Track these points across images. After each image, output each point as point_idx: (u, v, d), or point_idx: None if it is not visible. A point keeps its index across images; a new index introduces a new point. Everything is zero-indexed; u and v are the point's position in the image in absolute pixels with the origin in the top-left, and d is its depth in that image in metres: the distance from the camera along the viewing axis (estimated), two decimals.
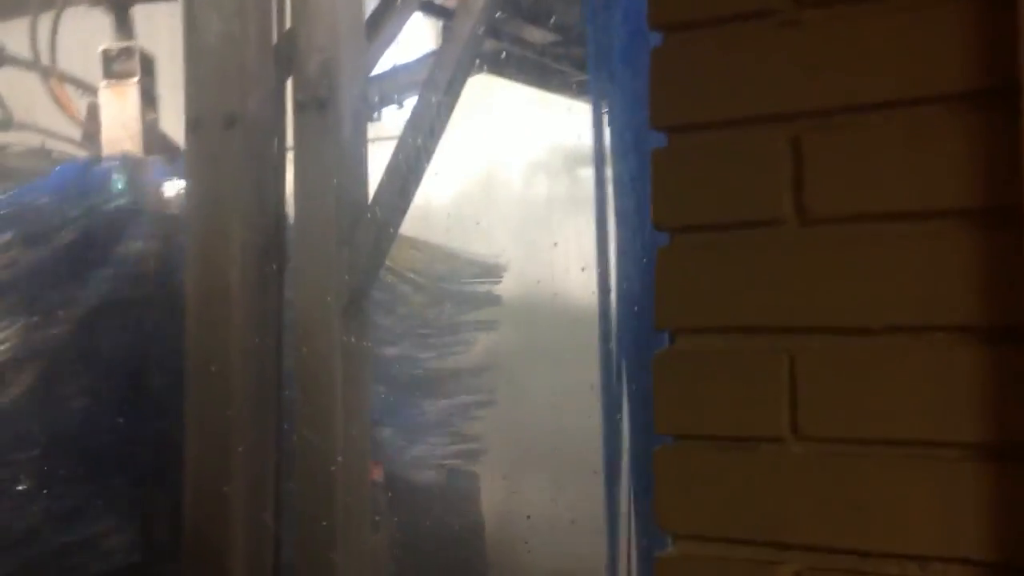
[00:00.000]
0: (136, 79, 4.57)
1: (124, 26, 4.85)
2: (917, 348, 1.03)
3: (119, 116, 4.61)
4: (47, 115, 5.41)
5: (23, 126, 5.61)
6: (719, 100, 1.16)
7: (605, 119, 2.77)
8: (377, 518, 3.66)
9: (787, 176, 1.10)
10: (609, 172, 2.79)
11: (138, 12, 4.87)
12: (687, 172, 1.19)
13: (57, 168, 4.53)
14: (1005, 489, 0.97)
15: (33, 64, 5.22)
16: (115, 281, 3.91)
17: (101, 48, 4.65)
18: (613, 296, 2.71)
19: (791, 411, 1.09)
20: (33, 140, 5.52)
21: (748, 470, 1.11)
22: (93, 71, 4.73)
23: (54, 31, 5.17)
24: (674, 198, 1.20)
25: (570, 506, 5.69)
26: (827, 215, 1.09)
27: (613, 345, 2.70)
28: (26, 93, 5.58)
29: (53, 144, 5.42)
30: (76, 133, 5.26)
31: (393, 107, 5.49)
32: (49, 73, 5.16)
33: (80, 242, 4.00)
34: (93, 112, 4.98)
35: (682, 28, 1.20)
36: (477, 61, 3.83)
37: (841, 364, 1.07)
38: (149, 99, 4.66)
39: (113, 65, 4.60)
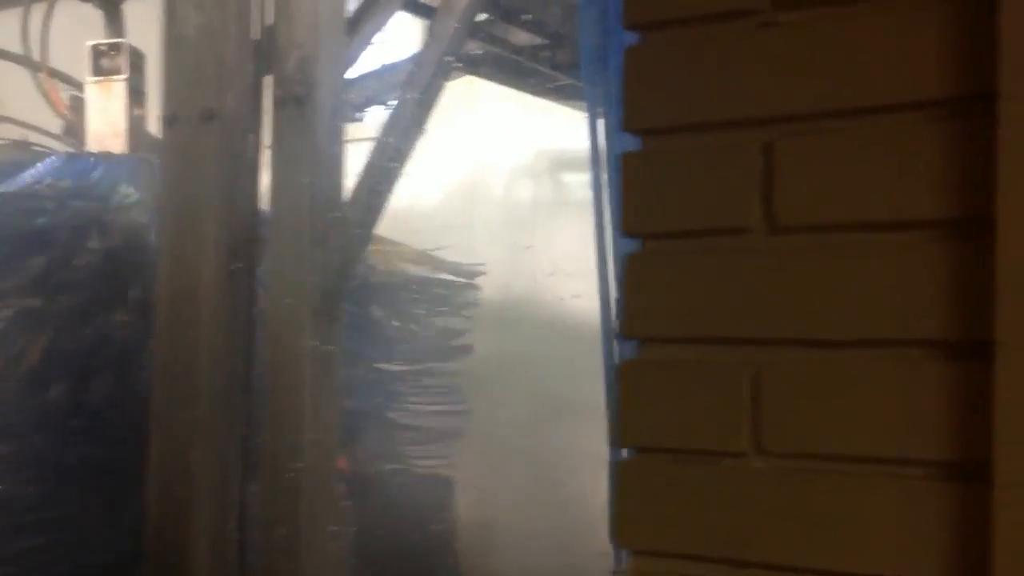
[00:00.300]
0: (124, 76, 4.54)
1: (115, 22, 4.83)
2: (886, 362, 1.00)
3: (105, 112, 4.58)
4: (28, 108, 5.37)
5: (2, 119, 5.56)
6: (692, 103, 1.13)
7: (600, 123, 2.75)
8: (335, 528, 3.59)
9: (757, 183, 1.07)
10: (605, 177, 2.78)
11: (129, 9, 4.84)
12: (657, 177, 1.16)
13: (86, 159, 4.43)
14: (968, 509, 0.94)
15: (22, 57, 5.18)
16: None
17: (90, 44, 4.62)
18: (613, 303, 2.68)
19: (754, 425, 1.06)
20: (13, 133, 5.47)
21: (709, 485, 1.08)
22: (81, 66, 4.69)
23: (45, 25, 5.12)
24: (644, 204, 1.17)
25: (541, 515, 5.66)
26: (796, 224, 1.06)
27: (614, 353, 2.67)
28: (6, 86, 5.54)
29: (32, 137, 5.36)
30: (58, 127, 5.22)
31: (378, 107, 5.48)
32: (39, 67, 5.12)
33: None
34: (76, 106, 4.94)
35: (657, 28, 1.17)
36: (456, 62, 3.80)
37: (807, 377, 1.04)
38: (137, 96, 4.63)
39: (101, 61, 4.57)
